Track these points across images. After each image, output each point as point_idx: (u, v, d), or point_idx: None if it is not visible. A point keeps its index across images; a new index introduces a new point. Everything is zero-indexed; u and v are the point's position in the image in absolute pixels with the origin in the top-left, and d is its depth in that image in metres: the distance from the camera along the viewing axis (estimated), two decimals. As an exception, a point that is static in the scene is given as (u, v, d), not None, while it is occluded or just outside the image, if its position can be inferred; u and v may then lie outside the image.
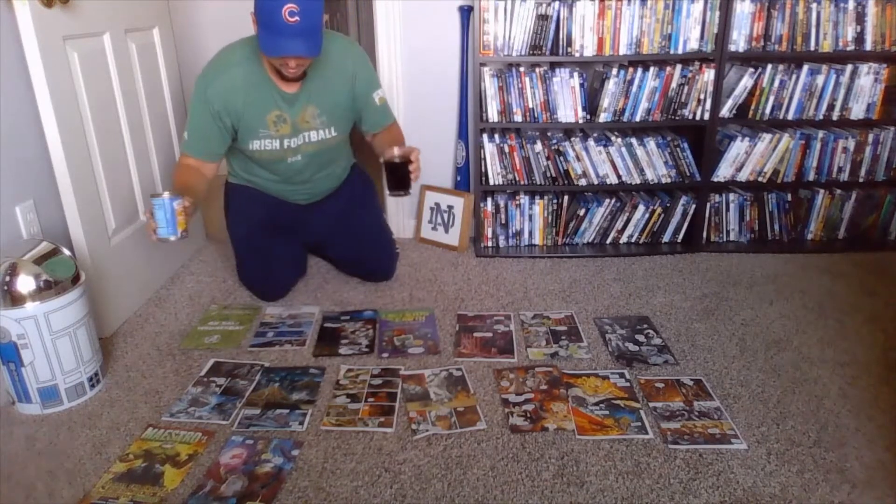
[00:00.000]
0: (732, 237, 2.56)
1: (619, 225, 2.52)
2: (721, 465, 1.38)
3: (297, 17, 1.62)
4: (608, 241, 2.55)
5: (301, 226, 2.19)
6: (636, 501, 1.30)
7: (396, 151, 1.85)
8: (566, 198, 2.49)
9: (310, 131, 1.97)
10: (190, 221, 1.68)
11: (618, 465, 1.39)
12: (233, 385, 1.69)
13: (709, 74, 2.30)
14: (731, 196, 2.50)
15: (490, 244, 2.55)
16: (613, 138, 2.40)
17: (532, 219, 2.51)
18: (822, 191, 2.49)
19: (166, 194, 1.61)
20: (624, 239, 2.55)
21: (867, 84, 2.33)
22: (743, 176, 2.45)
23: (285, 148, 1.97)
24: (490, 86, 2.33)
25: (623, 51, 2.29)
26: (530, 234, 2.54)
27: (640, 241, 2.55)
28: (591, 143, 2.39)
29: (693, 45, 2.30)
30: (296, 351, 1.85)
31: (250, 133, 1.92)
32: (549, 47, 2.30)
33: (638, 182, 2.45)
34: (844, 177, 2.46)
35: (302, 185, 2.13)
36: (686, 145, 2.41)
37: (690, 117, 2.37)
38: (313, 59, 1.78)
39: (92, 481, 1.37)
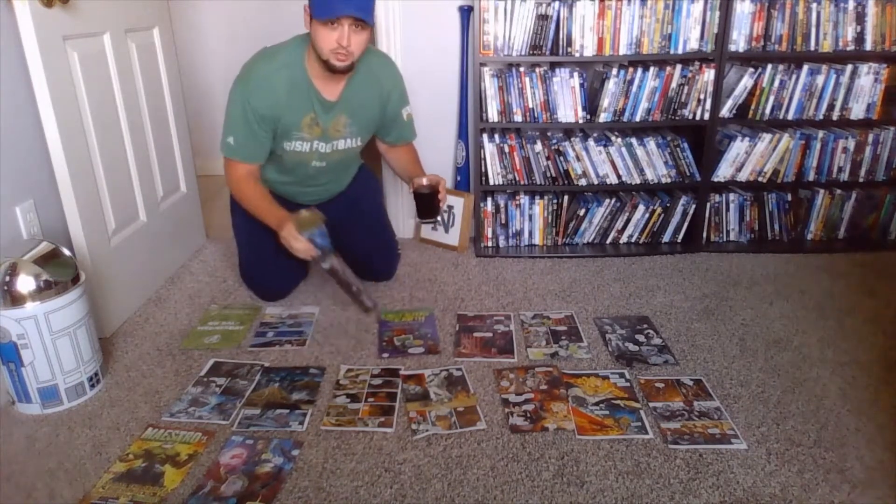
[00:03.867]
0: (732, 237, 2.56)
1: (619, 225, 2.52)
2: (721, 465, 1.38)
3: None
4: (608, 241, 2.55)
5: None
6: (636, 501, 1.30)
7: (425, 182, 1.96)
8: (566, 198, 2.49)
9: (338, 140, 1.99)
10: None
11: (618, 465, 1.39)
12: (233, 385, 1.69)
13: (709, 74, 2.30)
14: (731, 196, 2.49)
15: (490, 244, 2.55)
16: (613, 138, 2.39)
17: (532, 219, 2.51)
18: (822, 191, 2.49)
19: (310, 224, 1.82)
20: (624, 239, 2.54)
21: (867, 84, 2.33)
22: (743, 176, 2.45)
23: (313, 151, 1.98)
24: (490, 86, 2.33)
25: (623, 51, 2.29)
26: (530, 234, 2.54)
27: (640, 241, 2.55)
28: (591, 143, 2.39)
29: (693, 45, 2.30)
30: (296, 351, 1.86)
31: (286, 135, 1.92)
32: (549, 47, 2.30)
33: (638, 182, 2.45)
34: (844, 177, 2.46)
35: (314, 188, 2.14)
36: (686, 145, 2.41)
37: (690, 117, 2.37)
38: (360, 54, 1.77)
39: (92, 481, 1.37)
